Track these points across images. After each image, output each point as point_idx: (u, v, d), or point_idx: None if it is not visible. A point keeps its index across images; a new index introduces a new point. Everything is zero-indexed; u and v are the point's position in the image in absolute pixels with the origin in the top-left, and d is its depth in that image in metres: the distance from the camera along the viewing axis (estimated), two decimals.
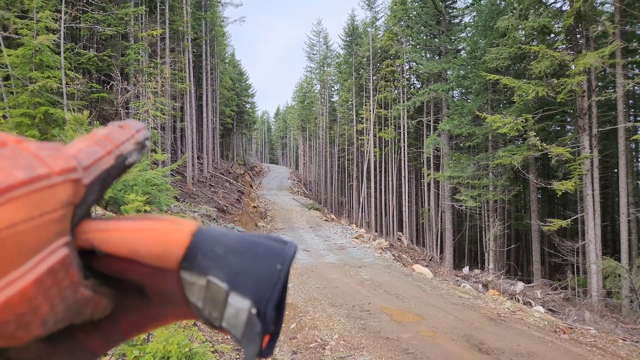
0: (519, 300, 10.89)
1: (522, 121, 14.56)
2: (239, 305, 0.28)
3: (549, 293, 12.51)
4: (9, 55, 9.08)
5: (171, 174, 19.13)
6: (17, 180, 0.23)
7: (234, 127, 45.24)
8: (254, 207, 28.61)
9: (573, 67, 13.11)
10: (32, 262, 0.23)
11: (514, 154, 15.72)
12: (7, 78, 9.41)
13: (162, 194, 10.28)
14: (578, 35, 14.96)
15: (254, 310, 0.28)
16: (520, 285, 11.96)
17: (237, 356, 6.21)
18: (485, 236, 19.93)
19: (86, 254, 0.28)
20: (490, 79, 16.29)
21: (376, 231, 30.44)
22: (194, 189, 22.48)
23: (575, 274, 14.06)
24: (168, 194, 10.49)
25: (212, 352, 5.38)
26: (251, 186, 38.28)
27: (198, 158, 27.93)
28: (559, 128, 21.87)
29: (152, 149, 13.34)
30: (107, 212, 8.74)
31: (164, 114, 16.43)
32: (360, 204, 32.49)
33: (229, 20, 42.44)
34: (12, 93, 9.21)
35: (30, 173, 0.23)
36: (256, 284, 0.28)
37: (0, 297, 0.21)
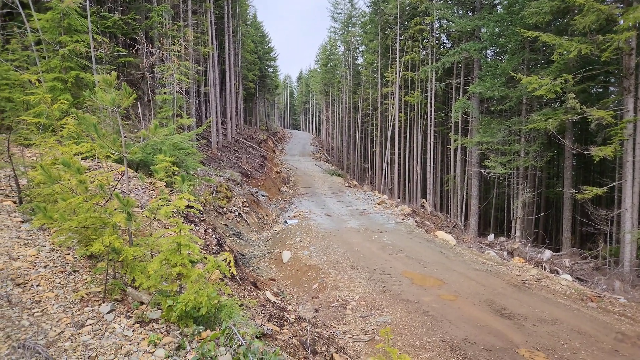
0: (545, 269, 10.68)
1: (561, 82, 13.66)
2: None
3: (578, 262, 12.19)
4: (39, 20, 9.14)
5: (196, 138, 19.36)
6: None
7: (257, 92, 44.91)
8: (277, 172, 28.84)
9: (622, 22, 11.99)
10: None
11: (549, 118, 14.91)
12: (38, 42, 9.53)
13: (188, 158, 10.44)
14: None
15: None
16: (547, 253, 11.68)
17: (262, 311, 6.42)
18: (513, 204, 19.42)
19: None
20: (529, 36, 15.19)
21: (399, 198, 30.25)
22: (219, 154, 22.76)
23: (608, 244, 13.58)
24: (194, 157, 10.65)
25: (239, 305, 5.57)
26: (274, 152, 38.44)
27: (222, 123, 28.08)
28: (600, 90, 20.46)
29: (178, 113, 13.41)
30: (139, 174, 8.94)
31: (188, 78, 16.41)
32: (384, 171, 32.15)
33: None
34: (44, 57, 9.35)
35: None
36: None
37: None
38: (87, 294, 3.39)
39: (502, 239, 16.31)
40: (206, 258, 3.23)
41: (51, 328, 2.87)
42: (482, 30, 21.36)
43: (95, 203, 3.33)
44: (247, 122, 42.60)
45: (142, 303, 3.29)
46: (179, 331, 3.06)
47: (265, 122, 52.02)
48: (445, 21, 26.75)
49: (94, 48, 9.91)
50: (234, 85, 30.13)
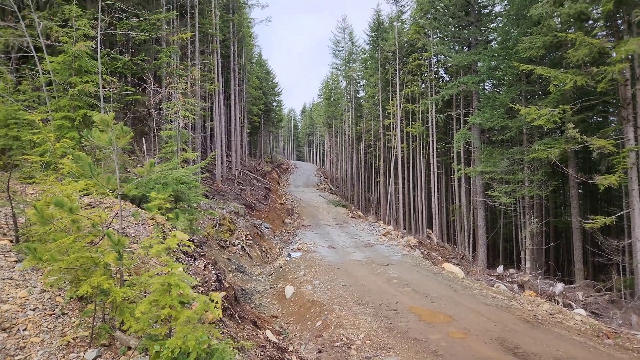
0: (558, 302, 10.28)
1: (559, 112, 13.78)
2: None
3: (592, 295, 11.76)
4: (50, 62, 9.52)
5: (201, 171, 19.51)
6: None
7: (261, 125, 45.71)
8: (281, 203, 28.77)
9: (614, 54, 12.23)
10: None
11: (550, 147, 14.92)
12: (49, 83, 9.89)
13: (191, 192, 10.44)
14: (619, 21, 13.98)
15: None
16: (559, 286, 11.29)
17: (261, 353, 6.16)
18: (521, 234, 19.08)
19: None
20: (524, 70, 15.50)
21: (404, 228, 29.90)
22: (223, 187, 22.83)
23: (621, 275, 13.14)
24: (197, 191, 10.65)
25: (237, 347, 5.35)
26: (278, 183, 38.55)
27: (227, 156, 28.38)
28: (600, 119, 20.59)
29: (183, 148, 13.57)
30: (140, 209, 8.93)
31: (194, 114, 16.77)
32: (388, 201, 31.99)
33: (255, 21, 42.98)
34: (54, 97, 9.66)
35: None
36: None
37: None
38: (73, 339, 3.27)
39: (512, 270, 15.87)
40: (199, 297, 3.12)
41: None
42: (478, 64, 21.87)
43: (89, 242, 3.28)
44: (252, 155, 43.07)
45: (129, 348, 3.15)
46: None
47: (270, 154, 52.57)
48: (442, 56, 27.48)
49: (103, 87, 10.25)
50: (239, 119, 30.73)
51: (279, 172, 45.85)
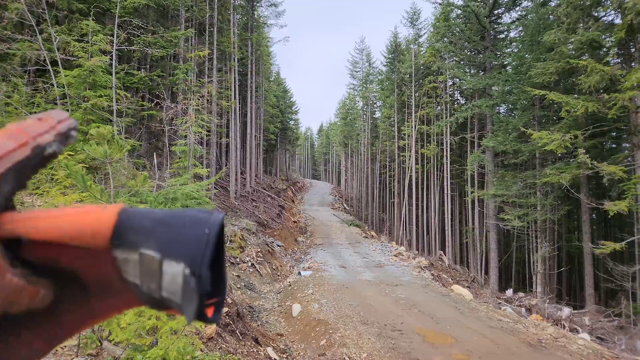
0: (564, 327, 10.18)
1: (570, 138, 13.85)
2: (174, 271, 0.30)
3: (601, 320, 11.56)
4: (65, 76, 10.04)
5: (215, 187, 20.04)
6: None
7: (278, 143, 46.53)
8: (294, 222, 29.07)
9: (626, 82, 12.36)
10: None
11: (562, 172, 14.92)
12: (63, 97, 10.36)
13: (200, 207, 10.87)
14: (632, 49, 14.12)
15: (187, 271, 0.29)
16: (566, 310, 11.17)
17: None
18: (533, 258, 18.84)
19: (13, 245, 0.29)
20: (537, 95, 15.70)
21: (417, 250, 29.72)
22: (236, 203, 23.34)
23: (630, 301, 12.88)
24: (207, 207, 11.08)
25: None
26: (293, 201, 38.96)
27: (241, 173, 29.03)
28: (614, 145, 20.42)
29: (194, 163, 14.05)
30: None
31: (208, 131, 17.32)
32: (402, 221, 31.94)
33: (274, 40, 44.37)
34: (67, 110, 10.22)
35: None
36: (187, 248, 0.30)
37: None
38: (61, 348, 3.39)
39: (521, 294, 15.67)
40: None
41: None
42: (493, 88, 22.10)
43: None
44: (267, 172, 43.78)
45: (116, 358, 3.36)
46: None
47: (286, 172, 53.27)
48: (457, 79, 27.83)
49: (117, 102, 10.74)
50: (255, 136, 31.49)
51: (294, 190, 46.32)
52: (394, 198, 37.01)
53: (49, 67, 10.03)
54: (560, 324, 10.55)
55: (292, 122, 53.50)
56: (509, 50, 23.28)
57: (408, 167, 31.38)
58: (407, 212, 31.92)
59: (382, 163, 42.10)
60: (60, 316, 0.33)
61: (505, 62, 23.53)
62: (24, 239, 0.29)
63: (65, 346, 3.50)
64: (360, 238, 25.58)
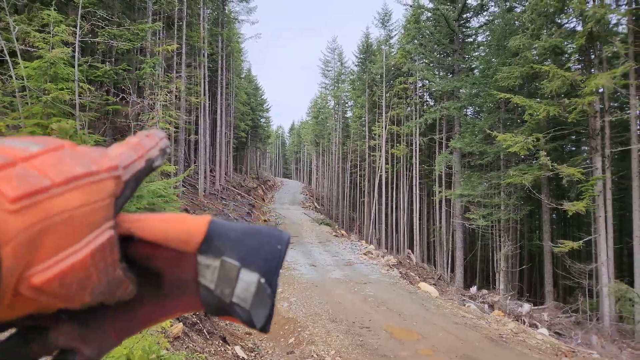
0: (524, 322, 10.57)
1: (533, 140, 14.39)
2: (249, 279, 0.33)
3: (559, 316, 12.11)
4: (25, 67, 9.47)
5: (183, 185, 19.45)
6: (79, 173, 0.28)
7: (249, 141, 45.91)
8: (264, 220, 28.75)
9: (585, 87, 12.98)
10: (89, 238, 0.28)
11: (524, 174, 15.49)
12: (23, 89, 9.80)
13: (167, 205, 10.47)
14: (592, 56, 14.84)
15: (262, 280, 0.33)
16: (526, 306, 11.63)
17: None
18: (496, 256, 19.51)
19: (122, 242, 0.32)
20: (502, 98, 16.22)
21: (386, 248, 30.13)
22: (205, 201, 22.79)
23: (587, 297, 13.59)
24: (174, 205, 10.68)
25: None
26: (263, 200, 38.54)
27: (211, 171, 28.38)
28: (574, 148, 21.48)
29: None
30: None
31: (177, 127, 16.78)
32: (371, 220, 32.30)
33: (245, 36, 43.65)
34: (27, 104, 9.60)
35: (87, 169, 0.29)
36: (263, 260, 0.34)
37: (68, 262, 0.26)
38: None
39: (485, 291, 16.17)
40: None
41: None
42: (461, 90, 22.69)
43: None
44: (237, 170, 43.06)
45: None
46: None
47: (256, 171, 52.64)
48: (427, 81, 28.41)
49: (80, 95, 10.23)
50: (225, 134, 30.88)
51: (264, 188, 45.86)
52: (364, 197, 37.37)
53: (7, 57, 9.48)
54: (521, 319, 10.93)
55: (263, 120, 52.94)
56: (476, 54, 23.99)
57: (378, 167, 31.75)
58: (376, 211, 32.30)
59: (353, 162, 42.41)
60: (137, 311, 0.36)
61: (473, 66, 24.23)
62: (136, 237, 0.33)
63: None
64: (331, 237, 25.63)
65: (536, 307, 13.51)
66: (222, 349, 7.00)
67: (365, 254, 19.69)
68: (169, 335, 5.42)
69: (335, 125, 45.21)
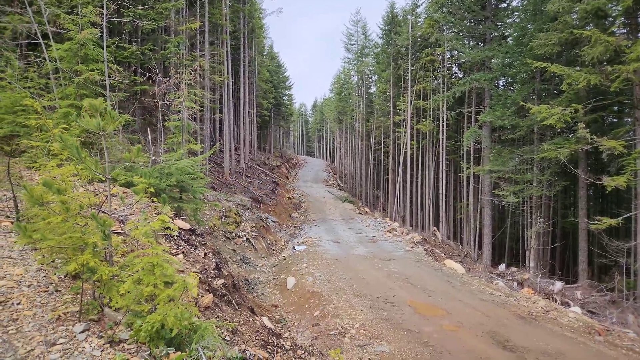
0: (555, 300, 10.22)
1: (570, 112, 13.53)
2: None
3: (593, 294, 11.64)
4: (57, 50, 9.66)
5: (209, 163, 19.70)
6: None
7: (271, 119, 45.86)
8: (289, 198, 28.94)
9: (631, 53, 11.94)
10: None
11: (560, 147, 14.69)
12: (56, 71, 10.04)
13: (195, 182, 10.61)
14: (639, 19, 13.63)
15: None
16: (558, 284, 11.22)
17: (256, 337, 6.30)
18: (527, 233, 18.88)
19: None
20: (537, 67, 15.24)
21: (411, 226, 29.83)
22: (231, 179, 23.08)
23: (624, 276, 12.97)
24: (201, 182, 10.81)
25: (231, 330, 5.47)
26: (287, 178, 38.74)
27: (235, 149, 28.61)
28: (615, 120, 20.14)
29: (188, 139, 13.78)
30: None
31: (202, 106, 16.83)
32: (396, 198, 31.91)
33: (266, 12, 42.76)
34: (60, 85, 9.82)
35: None
36: None
37: None
38: (64, 313, 3.43)
39: (514, 269, 15.76)
40: (179, 277, 3.24)
41: (22, 345, 2.90)
42: (492, 61, 21.54)
43: (84, 225, 3.42)
44: (261, 149, 43.31)
45: (116, 323, 3.30)
46: (149, 352, 3.05)
47: (280, 149, 52.78)
48: (456, 52, 27.14)
49: (109, 76, 10.37)
50: (248, 112, 30.89)
51: (287, 166, 46.04)
52: (388, 174, 36.87)
53: (40, 40, 9.76)
54: (552, 297, 10.57)
55: (285, 98, 52.55)
56: (510, 20, 22.58)
57: (403, 143, 31.06)
58: (401, 189, 31.84)
59: (377, 139, 41.71)
60: None
61: (506, 34, 22.88)
62: None
63: (68, 312, 3.51)
64: (354, 214, 25.57)
65: (568, 286, 13.06)
66: (251, 320, 7.12)
67: (389, 231, 19.55)
68: (200, 305, 5.54)
69: (358, 101, 44.35)
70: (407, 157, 30.35)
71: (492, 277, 12.90)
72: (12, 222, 4.99)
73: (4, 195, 5.90)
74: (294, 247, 15.72)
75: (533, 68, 16.20)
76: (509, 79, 23.04)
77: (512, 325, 7.44)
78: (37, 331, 3.14)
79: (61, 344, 3.04)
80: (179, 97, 11.84)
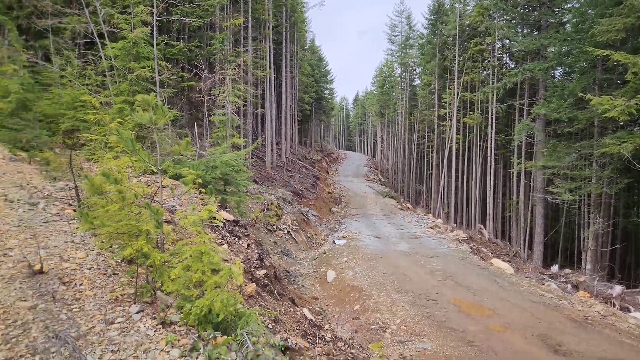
0: (614, 305, 9.47)
1: (636, 103, 12.43)
2: None
3: None
4: (112, 48, 10.28)
5: (251, 157, 20.20)
6: None
7: (312, 114, 46.07)
8: (329, 192, 29.02)
9: None
10: None
11: (624, 142, 13.54)
12: (111, 68, 10.69)
13: (238, 175, 10.93)
14: None
15: None
16: (617, 288, 10.38)
17: (296, 327, 6.40)
18: (583, 233, 17.64)
19: None
20: (599, 55, 14.11)
21: (455, 223, 28.89)
22: (272, 173, 23.52)
23: None
24: (244, 175, 11.12)
25: (271, 318, 5.61)
26: (327, 172, 38.86)
27: (277, 143, 29.09)
28: None
29: (232, 133, 14.18)
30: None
31: (245, 101, 17.26)
32: (440, 194, 31.02)
33: (308, 5, 42.66)
34: (115, 82, 10.46)
35: None
36: None
37: None
38: (121, 295, 3.68)
39: (568, 270, 14.79)
40: (225, 266, 3.36)
41: (84, 323, 3.16)
42: (548, 49, 20.22)
43: (138, 213, 3.64)
44: (301, 143, 43.72)
45: (168, 306, 3.50)
46: (197, 334, 3.21)
47: (320, 143, 52.99)
48: (507, 41, 25.74)
49: (158, 73, 10.89)
50: (290, 107, 31.24)
51: (328, 161, 46.14)
52: (432, 169, 35.90)
53: (97, 39, 10.37)
54: (610, 302, 9.82)
55: (327, 92, 52.54)
56: (569, 5, 21.03)
57: (448, 137, 30.06)
58: (445, 184, 30.90)
59: (420, 133, 40.66)
60: None
61: (564, 20, 21.35)
62: None
63: (124, 294, 3.79)
64: (396, 210, 25.18)
65: (629, 290, 12.06)
66: (292, 310, 7.25)
67: (432, 228, 19.09)
68: (243, 294, 5.73)
69: (401, 94, 43.42)
70: (452, 152, 29.35)
71: (544, 279, 12.20)
72: (74, 210, 5.40)
73: (67, 185, 6.40)
74: (334, 241, 15.77)
75: (594, 56, 15.02)
76: (567, 68, 21.52)
77: (565, 329, 7.01)
78: (97, 310, 3.39)
79: (119, 323, 3.28)
80: (223, 92, 12.22)
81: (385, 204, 26.86)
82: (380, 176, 45.12)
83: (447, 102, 30.07)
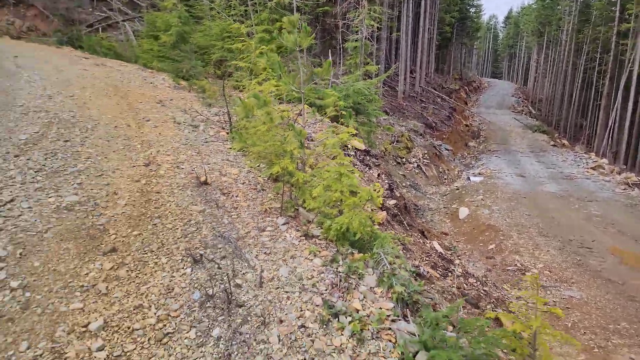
0: None
1: None
2: None
3: None
4: None
5: (383, 86, 19.61)
6: None
7: (453, 37, 41.35)
8: (466, 125, 26.80)
9: None
10: None
11: None
12: None
13: (370, 105, 10.78)
14: None
15: None
16: None
17: (426, 258, 6.43)
18: None
19: None
20: None
21: (625, 164, 23.89)
22: (404, 103, 22.61)
23: None
24: (375, 105, 10.91)
25: (402, 245, 5.71)
26: (466, 103, 35.57)
27: (411, 71, 27.43)
28: None
29: (366, 61, 13.80)
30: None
31: (380, 23, 16.33)
32: (608, 129, 25.64)
33: None
34: (256, 12, 10.92)
35: None
36: None
37: None
38: (269, 208, 4.16)
39: None
40: (363, 188, 3.42)
41: (242, 227, 3.70)
42: None
43: (282, 135, 3.91)
44: (438, 71, 40.30)
45: (309, 221, 3.82)
46: (336, 249, 3.48)
47: (460, 70, 47.99)
48: None
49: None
50: (428, 29, 28.57)
51: (467, 90, 41.97)
52: (600, 100, 29.50)
53: None
54: None
55: (472, 10, 45.96)
56: None
57: (628, 60, 23.81)
58: (617, 118, 25.25)
59: (589, 55, 33.09)
60: None
61: None
62: None
63: (272, 207, 4.29)
64: (547, 146, 22.08)
65: None
66: (421, 241, 7.29)
67: (593, 169, 16.34)
68: (374, 221, 5.96)
69: (569, 6, 35.33)
70: (632, 78, 23.34)
71: None
72: (227, 133, 6.13)
73: (220, 110, 7.26)
74: (468, 178, 14.87)
75: None
76: None
77: None
78: (250, 219, 3.93)
79: (269, 231, 3.77)
80: (359, 15, 11.73)
81: (534, 140, 23.77)
82: (530, 108, 39.40)
83: (632, 15, 23.35)
